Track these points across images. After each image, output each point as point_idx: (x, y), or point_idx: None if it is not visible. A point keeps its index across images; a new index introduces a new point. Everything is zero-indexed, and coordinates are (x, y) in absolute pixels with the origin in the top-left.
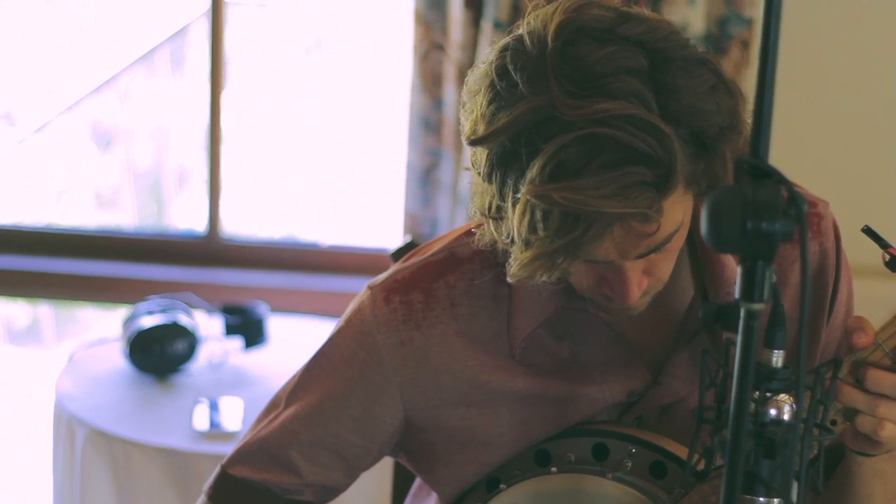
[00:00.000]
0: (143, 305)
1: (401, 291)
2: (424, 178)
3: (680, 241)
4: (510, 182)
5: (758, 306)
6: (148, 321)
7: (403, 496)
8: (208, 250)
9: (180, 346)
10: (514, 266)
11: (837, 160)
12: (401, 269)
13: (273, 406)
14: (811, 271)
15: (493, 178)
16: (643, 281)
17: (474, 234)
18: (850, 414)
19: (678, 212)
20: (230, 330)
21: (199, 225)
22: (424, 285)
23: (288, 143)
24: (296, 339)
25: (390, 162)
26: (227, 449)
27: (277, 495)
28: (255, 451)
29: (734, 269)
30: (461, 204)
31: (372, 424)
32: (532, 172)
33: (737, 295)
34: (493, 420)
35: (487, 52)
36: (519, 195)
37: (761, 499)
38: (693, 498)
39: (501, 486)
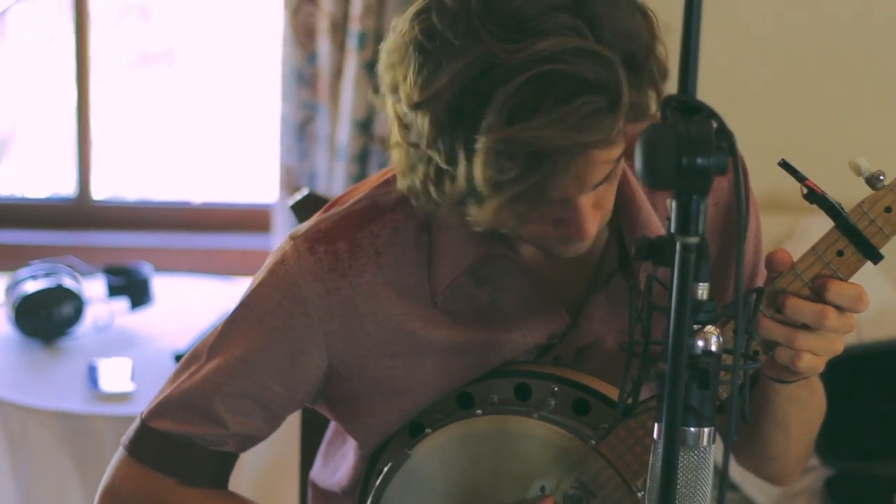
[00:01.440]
0: (25, 270)
1: (325, 241)
2: (300, 131)
3: (621, 168)
4: (461, 136)
5: (693, 239)
6: (32, 286)
7: (311, 442)
8: (81, 213)
9: (66, 309)
10: (485, 213)
11: (755, 98)
12: (323, 220)
13: (194, 359)
14: (721, 206)
15: (440, 141)
16: (596, 214)
17: (392, 182)
18: (769, 346)
19: (621, 138)
20: (114, 291)
21: (65, 188)
22: (349, 235)
23: (157, 100)
24: (181, 297)
25: (264, 117)
26: (123, 410)
27: (201, 447)
28: (177, 403)
29: (649, 212)
30: (339, 156)
31: (296, 374)
32: (489, 120)
33: (672, 229)
34: (417, 370)
35: (395, 23)
36: (476, 146)
37: (692, 429)
38: (619, 433)
39: (427, 430)
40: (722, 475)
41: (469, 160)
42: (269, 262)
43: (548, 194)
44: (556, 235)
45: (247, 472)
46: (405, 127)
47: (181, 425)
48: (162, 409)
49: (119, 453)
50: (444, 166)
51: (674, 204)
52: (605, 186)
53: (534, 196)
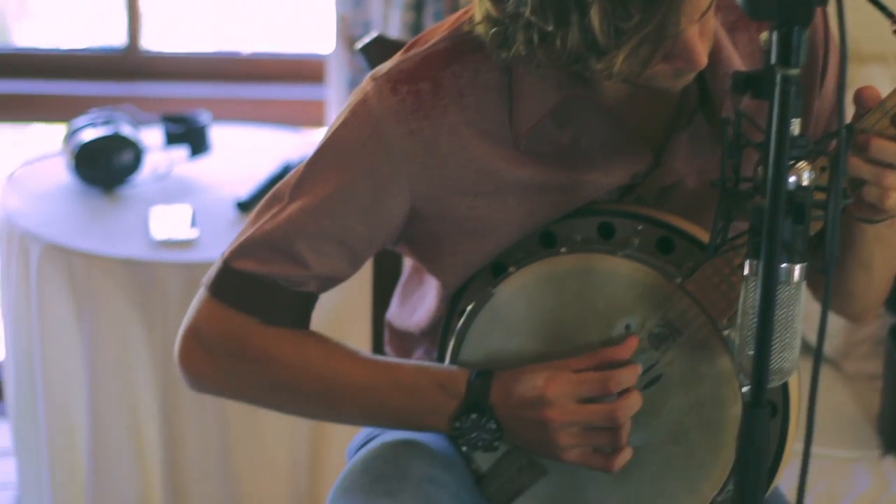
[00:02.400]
0: (82, 119)
1: (408, 81)
2: None
3: None
4: None
5: (794, 71)
6: (90, 134)
7: (383, 283)
8: (131, 64)
9: (126, 156)
10: (611, 65)
11: None
12: (404, 60)
13: (275, 200)
14: None
15: (547, 4)
16: (704, 41)
17: (472, 23)
18: (856, 184)
19: None
20: (172, 139)
21: (116, 39)
22: (431, 75)
23: None
24: (239, 146)
25: None
26: (186, 256)
27: (284, 287)
28: (259, 244)
29: (730, 51)
30: (394, 5)
31: (379, 215)
32: None
33: (772, 61)
34: (500, 209)
35: None
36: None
37: (784, 264)
38: (705, 271)
39: (510, 269)
40: (822, 313)
41: (583, 16)
42: (350, 102)
43: (667, 32)
44: (668, 71)
45: (319, 314)
46: (500, 0)
47: (264, 265)
48: (244, 249)
49: (200, 294)
50: (550, 29)
51: (774, 35)
52: (709, 13)
53: (656, 37)
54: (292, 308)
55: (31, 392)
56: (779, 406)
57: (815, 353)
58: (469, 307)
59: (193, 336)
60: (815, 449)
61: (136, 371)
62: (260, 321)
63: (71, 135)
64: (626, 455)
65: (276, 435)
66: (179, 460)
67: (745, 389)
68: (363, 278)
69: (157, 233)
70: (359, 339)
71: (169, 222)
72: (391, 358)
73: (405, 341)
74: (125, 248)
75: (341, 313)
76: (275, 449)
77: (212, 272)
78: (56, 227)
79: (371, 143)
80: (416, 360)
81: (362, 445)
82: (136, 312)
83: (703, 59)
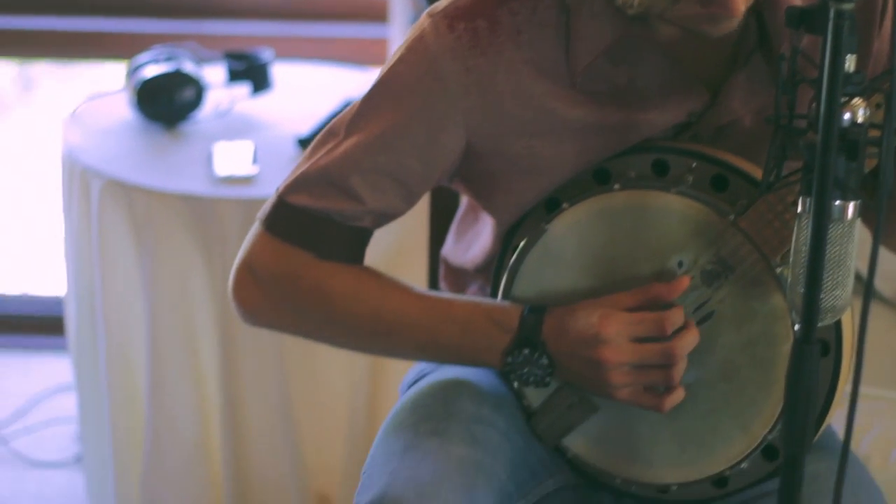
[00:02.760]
0: (145, 55)
1: (465, 18)
2: None
3: None
4: None
5: (848, 6)
6: (152, 70)
7: (440, 219)
8: (194, 2)
9: (188, 93)
10: None
11: None
12: None
13: (331, 135)
14: None
15: None
16: None
17: None
18: None
19: None
20: (234, 76)
21: None
22: (488, 12)
23: None
24: (300, 84)
25: None
26: (247, 193)
27: (339, 222)
28: (314, 179)
29: None
30: None
31: (435, 151)
32: None
33: None
34: (555, 149)
35: None
36: None
37: (837, 201)
38: (758, 208)
39: (564, 205)
40: (872, 250)
41: None
42: (407, 39)
43: None
44: (705, 14)
45: (377, 249)
46: None
47: (319, 200)
48: (299, 184)
49: (255, 228)
50: None
51: None
52: None
53: None
54: (347, 243)
55: (92, 327)
56: (831, 345)
57: (865, 290)
58: (522, 243)
59: (247, 270)
60: (873, 391)
61: (195, 306)
62: (314, 255)
63: (133, 71)
64: (678, 395)
65: (333, 374)
66: (238, 395)
67: (797, 327)
68: (420, 214)
69: (219, 169)
70: (415, 274)
71: (230, 159)
72: (444, 293)
73: (460, 277)
74: (185, 184)
75: (399, 249)
76: (333, 387)
77: (266, 207)
78: (117, 163)
79: (427, 79)
80: (470, 296)
81: (414, 382)
82: (195, 248)
83: (740, 8)
